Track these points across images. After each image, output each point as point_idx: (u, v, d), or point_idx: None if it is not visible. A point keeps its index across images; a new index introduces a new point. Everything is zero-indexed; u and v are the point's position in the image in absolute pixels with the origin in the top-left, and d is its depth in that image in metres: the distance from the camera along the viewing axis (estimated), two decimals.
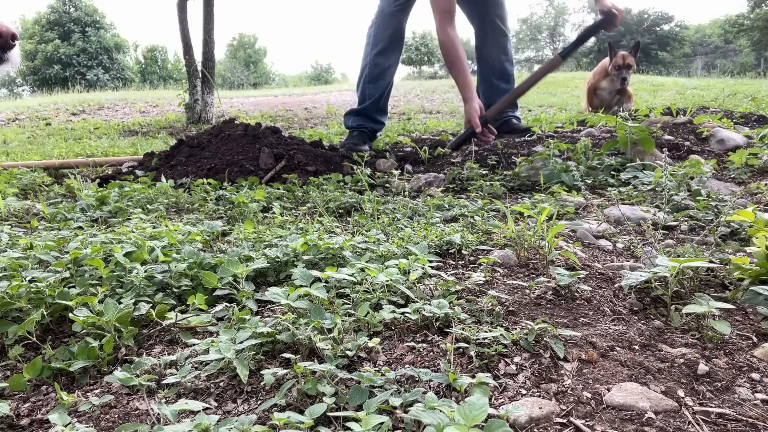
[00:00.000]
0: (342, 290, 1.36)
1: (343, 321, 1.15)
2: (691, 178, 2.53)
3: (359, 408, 0.87)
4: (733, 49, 40.94)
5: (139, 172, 3.43)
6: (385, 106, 4.47)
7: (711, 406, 0.91)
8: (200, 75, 7.86)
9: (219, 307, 1.31)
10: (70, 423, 0.91)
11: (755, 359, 1.07)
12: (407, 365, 1.03)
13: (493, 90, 4.41)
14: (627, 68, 5.43)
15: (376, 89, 4.34)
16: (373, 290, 1.31)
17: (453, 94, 10.72)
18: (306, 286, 1.27)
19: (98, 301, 1.25)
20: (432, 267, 1.49)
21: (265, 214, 2.47)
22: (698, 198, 2.24)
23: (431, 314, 1.17)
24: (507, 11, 4.40)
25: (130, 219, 2.28)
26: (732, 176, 2.80)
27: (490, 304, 1.24)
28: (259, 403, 0.96)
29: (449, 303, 1.23)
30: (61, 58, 34.69)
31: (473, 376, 0.94)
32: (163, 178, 3.04)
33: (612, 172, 2.92)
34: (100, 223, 2.28)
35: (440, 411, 0.79)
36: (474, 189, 2.87)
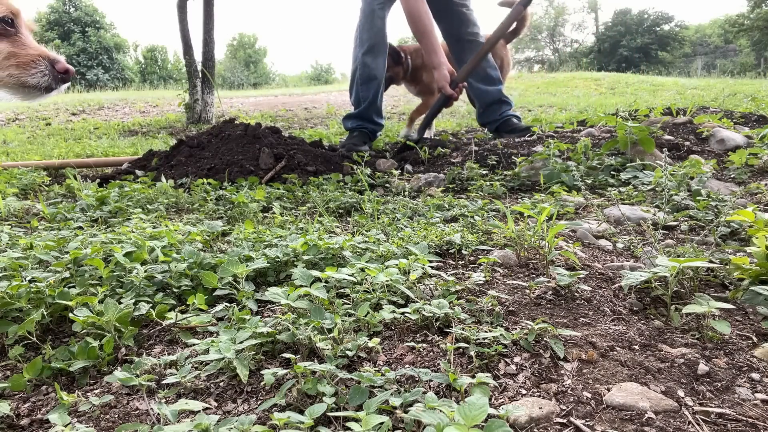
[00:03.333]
0: (342, 290, 1.36)
1: (343, 321, 1.15)
2: (691, 178, 2.53)
3: (359, 408, 0.87)
4: (733, 49, 40.93)
5: (139, 172, 3.43)
6: (381, 106, 4.52)
7: (711, 406, 0.91)
8: (200, 75, 7.86)
9: (219, 307, 1.31)
10: (70, 423, 0.91)
11: (755, 359, 1.07)
12: (407, 365, 1.03)
13: (482, 92, 4.46)
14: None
15: (368, 90, 4.38)
16: (373, 290, 1.31)
17: None
18: (306, 286, 1.27)
19: (98, 301, 1.25)
20: (432, 267, 1.49)
21: (265, 214, 2.47)
22: (698, 198, 2.24)
23: (431, 314, 1.17)
24: (478, 26, 4.42)
25: (130, 219, 2.28)
26: (732, 176, 2.80)
27: (490, 304, 1.24)
28: (259, 403, 0.96)
29: (449, 303, 1.23)
30: None
31: (473, 376, 0.94)
32: (163, 178, 3.04)
33: (612, 172, 2.92)
34: (100, 223, 2.28)
35: (440, 411, 0.79)
36: (474, 189, 2.87)
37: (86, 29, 36.12)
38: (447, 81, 3.72)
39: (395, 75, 4.82)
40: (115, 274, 1.43)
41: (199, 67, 7.84)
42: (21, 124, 8.46)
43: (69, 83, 1.49)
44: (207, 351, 1.05)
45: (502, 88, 4.50)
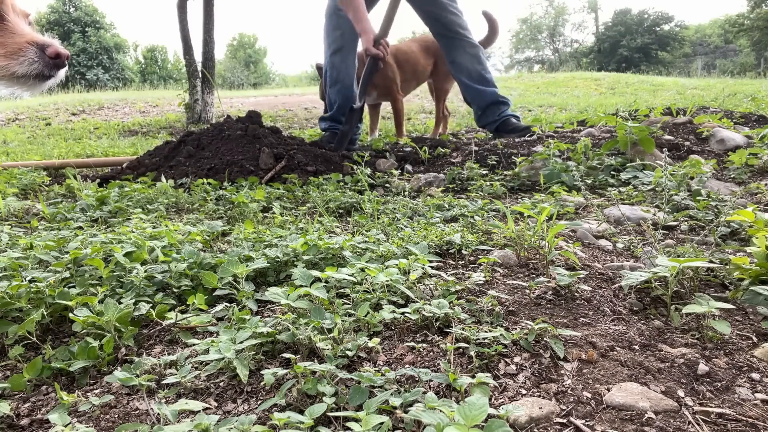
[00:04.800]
0: (342, 290, 1.36)
1: (343, 321, 1.15)
2: (691, 178, 2.53)
3: (359, 408, 0.87)
4: (733, 49, 40.93)
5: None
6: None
7: (711, 406, 0.91)
8: (200, 75, 7.85)
9: (219, 307, 1.31)
10: (70, 423, 0.91)
11: (755, 359, 1.07)
12: (407, 365, 1.03)
13: (477, 92, 4.44)
14: None
15: (337, 93, 4.37)
16: (373, 290, 1.31)
17: (453, 94, 10.72)
18: (306, 286, 1.27)
19: (98, 301, 1.25)
20: (432, 267, 1.49)
21: (265, 214, 2.47)
22: (698, 198, 2.24)
23: (431, 314, 1.17)
24: (465, 22, 4.40)
25: (130, 219, 2.28)
26: (732, 176, 2.80)
27: (490, 304, 1.24)
28: (259, 403, 0.96)
29: (449, 303, 1.23)
30: None
31: (473, 376, 0.94)
32: (163, 178, 3.05)
33: (612, 172, 2.92)
34: (100, 223, 2.28)
35: (440, 411, 0.79)
36: (474, 189, 2.87)
37: (86, 29, 36.12)
38: (370, 43, 3.84)
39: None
40: (115, 274, 1.43)
41: (199, 67, 7.83)
42: (21, 124, 8.46)
43: (66, 68, 1.39)
44: (207, 351, 1.05)
45: (497, 90, 4.48)
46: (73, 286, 1.37)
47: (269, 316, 1.29)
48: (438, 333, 1.16)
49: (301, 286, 1.28)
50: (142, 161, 3.63)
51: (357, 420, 0.80)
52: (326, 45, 4.40)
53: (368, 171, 3.20)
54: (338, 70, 4.33)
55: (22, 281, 1.31)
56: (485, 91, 4.41)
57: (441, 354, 1.06)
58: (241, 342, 1.05)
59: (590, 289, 1.38)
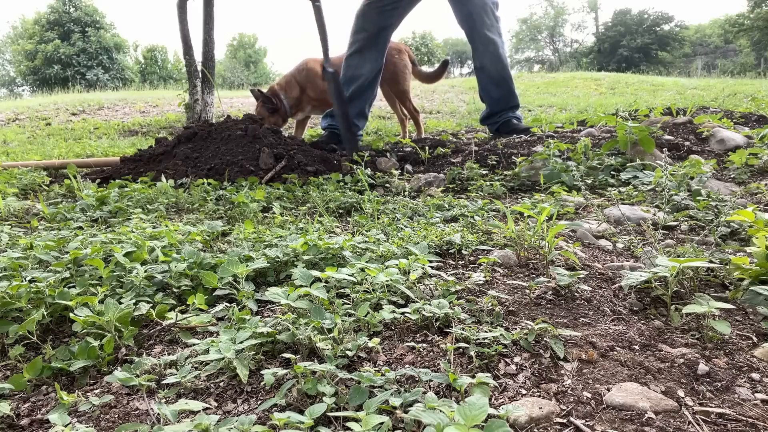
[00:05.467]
0: (342, 290, 1.36)
1: (343, 321, 1.15)
2: (691, 178, 2.53)
3: (359, 408, 0.87)
4: (733, 49, 40.93)
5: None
6: (363, 108, 4.46)
7: (711, 406, 0.91)
8: (200, 75, 7.85)
9: (219, 307, 1.31)
10: (70, 423, 0.91)
11: (755, 359, 1.07)
12: (407, 365, 1.03)
13: (493, 99, 4.45)
14: None
15: (347, 91, 4.36)
16: (373, 290, 1.31)
17: (453, 94, 10.72)
18: (306, 286, 1.27)
19: (98, 301, 1.25)
20: (432, 267, 1.49)
21: (265, 214, 2.47)
22: (698, 198, 2.24)
23: (431, 314, 1.17)
24: (495, 21, 4.30)
25: (130, 219, 2.28)
26: (732, 176, 2.80)
27: (490, 304, 1.24)
28: (259, 403, 0.96)
29: (449, 303, 1.23)
30: (61, 58, 34.67)
31: (473, 376, 0.94)
32: (163, 178, 3.04)
33: (612, 172, 2.92)
34: (100, 223, 2.28)
35: (440, 411, 0.79)
36: (474, 189, 2.87)
37: (86, 29, 36.10)
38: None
39: (277, 122, 4.75)
40: (115, 274, 1.43)
41: (199, 67, 7.82)
42: (21, 124, 8.45)
43: None
44: (207, 351, 1.05)
45: (512, 88, 4.45)
46: (73, 286, 1.37)
47: (269, 316, 1.29)
48: (438, 333, 1.16)
49: (301, 286, 1.28)
50: (143, 154, 3.63)
51: (357, 420, 0.80)
52: (349, 44, 4.43)
53: (368, 171, 3.20)
54: (353, 69, 4.37)
55: (22, 281, 1.31)
56: (500, 99, 4.40)
57: (441, 354, 1.06)
58: (241, 342, 1.05)
59: (590, 289, 1.38)
